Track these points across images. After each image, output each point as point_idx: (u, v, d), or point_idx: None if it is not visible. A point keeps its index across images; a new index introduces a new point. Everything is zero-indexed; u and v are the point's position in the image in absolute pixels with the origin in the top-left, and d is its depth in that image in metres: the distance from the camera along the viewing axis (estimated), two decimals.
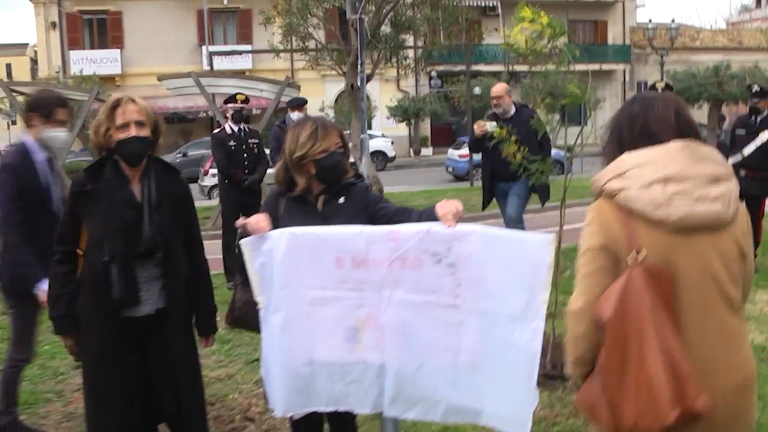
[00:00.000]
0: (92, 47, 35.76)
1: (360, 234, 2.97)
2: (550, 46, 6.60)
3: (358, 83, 10.43)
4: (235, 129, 8.95)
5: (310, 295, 2.97)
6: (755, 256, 8.87)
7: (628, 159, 2.41)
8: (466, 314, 2.86)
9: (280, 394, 3.04)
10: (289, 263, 2.96)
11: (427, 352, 2.89)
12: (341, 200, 3.40)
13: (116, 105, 3.46)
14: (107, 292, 3.39)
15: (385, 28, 16.06)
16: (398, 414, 2.98)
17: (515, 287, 2.80)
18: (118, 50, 35.33)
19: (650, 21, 38.56)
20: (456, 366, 2.88)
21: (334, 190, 3.40)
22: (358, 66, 9.19)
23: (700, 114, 26.07)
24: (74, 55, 34.87)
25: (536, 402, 2.86)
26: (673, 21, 37.94)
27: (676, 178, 2.31)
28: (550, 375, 5.50)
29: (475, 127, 8.39)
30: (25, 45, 52.36)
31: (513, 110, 8.40)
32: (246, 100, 9.13)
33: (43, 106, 4.54)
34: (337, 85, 34.22)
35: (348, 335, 2.95)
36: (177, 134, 33.75)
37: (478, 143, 8.50)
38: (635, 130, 2.48)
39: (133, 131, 3.43)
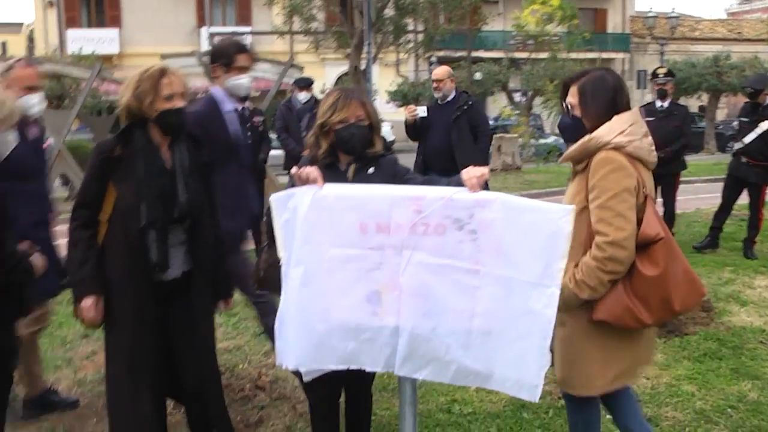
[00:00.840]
0: (90, 26, 35.64)
1: (384, 197, 2.99)
2: (560, 29, 6.64)
3: (362, 66, 10.43)
4: (239, 108, 8.94)
5: (331, 252, 2.99)
6: (754, 243, 9.00)
7: (622, 120, 3.21)
8: (484, 279, 2.89)
9: (293, 349, 3.06)
10: (312, 220, 2.99)
11: (442, 315, 2.92)
12: (371, 170, 3.45)
13: (162, 76, 3.48)
14: (143, 258, 3.46)
15: (389, 11, 16.03)
16: (409, 373, 3.01)
17: (534, 254, 2.85)
18: (116, 30, 35.22)
19: (651, 10, 38.57)
20: (470, 329, 2.91)
21: (363, 161, 3.45)
22: (365, 47, 9.16)
23: (699, 103, 26.13)
24: (72, 34, 34.73)
25: (548, 365, 2.92)
26: (673, 10, 38.02)
27: (646, 133, 3.26)
28: (552, 349, 5.54)
29: (406, 111, 8.11)
30: (21, 24, 52.09)
31: (452, 95, 7.83)
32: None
33: (223, 55, 4.49)
34: (337, 68, 34.25)
35: (370, 298, 2.97)
36: None
37: (415, 130, 8.02)
38: (625, 98, 3.31)
39: (178, 102, 3.50)
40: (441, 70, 8.05)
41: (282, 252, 3.07)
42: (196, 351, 3.72)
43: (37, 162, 4.47)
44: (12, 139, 3.63)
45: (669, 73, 9.65)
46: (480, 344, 2.91)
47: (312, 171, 3.07)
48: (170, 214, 3.51)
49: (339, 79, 34.01)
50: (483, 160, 6.51)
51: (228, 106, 4.53)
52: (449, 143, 7.49)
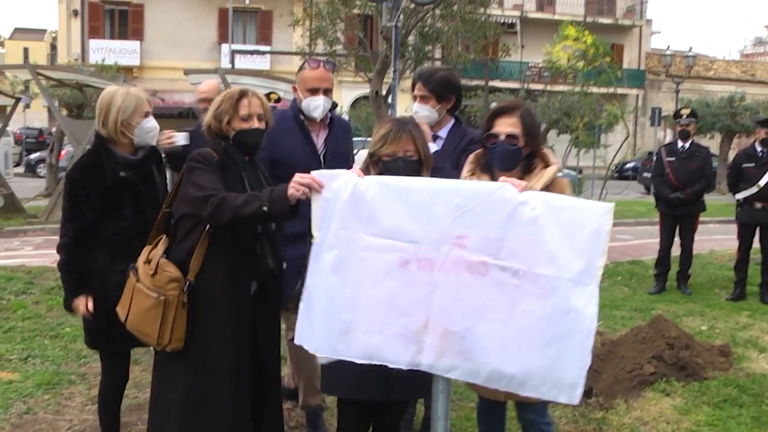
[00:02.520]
0: (112, 37, 35.96)
1: (426, 188, 2.97)
2: (592, 67, 6.70)
3: (383, 91, 10.52)
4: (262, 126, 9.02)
5: (366, 241, 2.94)
6: None
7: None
8: (524, 279, 2.84)
9: (314, 333, 3.03)
10: (352, 205, 2.97)
11: (479, 314, 2.85)
12: None
13: (241, 97, 3.59)
14: (251, 266, 3.56)
15: (412, 38, 16.16)
16: (441, 371, 2.93)
17: (575, 252, 2.83)
18: (138, 42, 35.51)
19: (668, 48, 38.71)
20: (507, 331, 2.84)
21: None
22: (392, 73, 9.24)
23: (712, 144, 26.13)
24: (94, 44, 35.03)
25: (588, 364, 2.85)
26: (690, 49, 38.06)
27: None
28: None
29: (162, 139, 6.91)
30: (44, 31, 52.61)
31: None
32: (278, 100, 9.21)
33: None
34: (353, 91, 34.46)
35: (402, 292, 2.92)
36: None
37: (174, 161, 6.07)
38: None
39: (255, 123, 3.59)
40: (208, 86, 6.61)
41: (316, 231, 3.05)
42: (277, 347, 3.84)
43: None
44: (153, 126, 3.91)
45: (692, 114, 9.69)
46: (517, 347, 2.84)
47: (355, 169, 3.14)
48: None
49: (355, 102, 34.19)
50: None
51: None
52: None
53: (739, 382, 5.91)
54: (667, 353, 6.06)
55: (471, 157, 3.75)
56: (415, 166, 3.48)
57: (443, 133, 4.43)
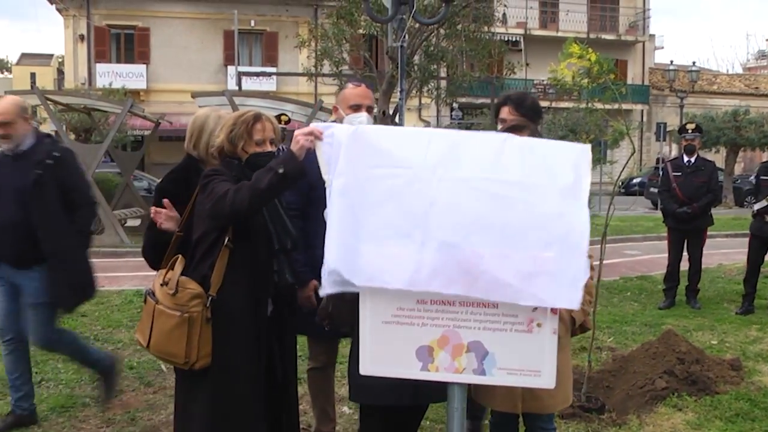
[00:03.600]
0: (119, 61, 36.13)
1: (423, 132, 3.11)
2: (596, 84, 6.72)
3: (390, 111, 10.61)
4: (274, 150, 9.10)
5: (367, 172, 3.00)
6: None
7: None
8: (517, 188, 2.89)
9: (330, 254, 3.00)
10: (353, 144, 3.03)
11: (473, 223, 2.87)
12: None
13: (255, 122, 3.66)
14: (269, 282, 3.63)
15: (417, 58, 16.27)
16: (438, 288, 2.90)
17: (564, 167, 2.92)
18: (144, 65, 35.70)
19: (671, 63, 38.85)
20: (502, 239, 2.86)
21: None
22: (399, 93, 9.31)
23: (717, 158, 26.13)
24: (100, 68, 35.25)
25: (587, 276, 2.87)
26: (693, 64, 38.24)
27: None
28: (586, 407, 5.58)
29: None
30: (50, 55, 53.03)
31: (29, 143, 4.92)
32: (288, 121, 9.29)
33: None
34: None
35: (401, 215, 2.96)
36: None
37: None
38: None
39: (268, 147, 3.68)
40: (6, 104, 4.88)
41: (325, 175, 3.08)
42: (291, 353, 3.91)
43: None
44: None
45: (697, 129, 9.73)
46: (514, 253, 2.85)
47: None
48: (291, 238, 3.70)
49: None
50: (77, 244, 5.00)
51: None
52: (24, 218, 4.79)
53: (751, 396, 5.92)
54: (678, 368, 6.07)
55: None
56: None
57: None
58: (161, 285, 3.55)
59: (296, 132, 3.19)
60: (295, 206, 4.18)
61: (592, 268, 3.68)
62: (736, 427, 5.33)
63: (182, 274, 3.55)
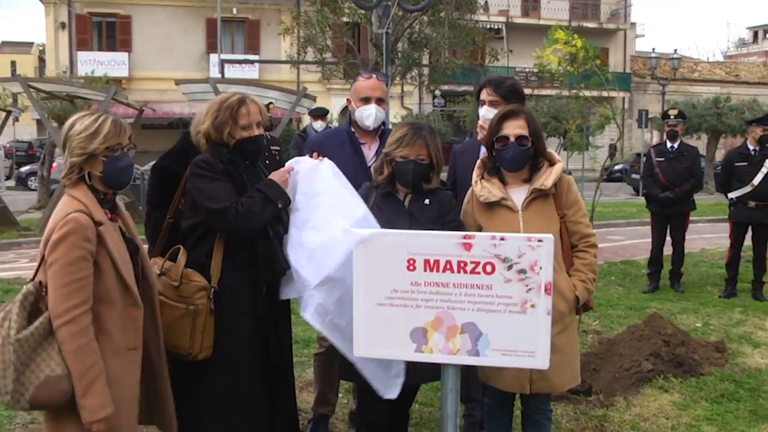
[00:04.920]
0: (100, 49, 35.86)
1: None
2: (582, 69, 6.74)
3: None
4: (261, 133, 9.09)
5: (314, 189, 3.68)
6: (763, 284, 9.09)
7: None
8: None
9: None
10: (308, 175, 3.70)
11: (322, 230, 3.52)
12: (426, 201, 3.75)
13: (240, 106, 3.61)
14: (266, 269, 3.62)
15: (401, 45, 16.26)
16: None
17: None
18: (126, 53, 35.45)
19: (653, 50, 38.97)
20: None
21: (419, 193, 3.75)
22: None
23: (699, 144, 26.29)
24: (82, 56, 34.98)
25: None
26: (675, 51, 38.37)
27: None
28: (574, 390, 5.63)
29: None
30: (31, 44, 52.51)
31: None
32: (268, 106, 9.26)
33: None
34: (343, 98, 34.32)
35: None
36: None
37: None
38: None
39: (255, 131, 3.64)
40: None
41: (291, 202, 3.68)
42: (287, 360, 3.91)
43: None
44: None
45: (680, 115, 9.81)
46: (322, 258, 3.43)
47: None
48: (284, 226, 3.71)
49: (345, 108, 34.26)
50: None
51: None
52: None
53: (735, 377, 6.00)
54: (664, 350, 6.14)
55: (478, 163, 3.94)
56: (426, 170, 3.73)
57: None
58: (159, 275, 3.49)
59: (275, 172, 3.64)
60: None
61: (595, 245, 3.82)
62: (721, 408, 5.40)
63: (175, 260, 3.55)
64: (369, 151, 4.56)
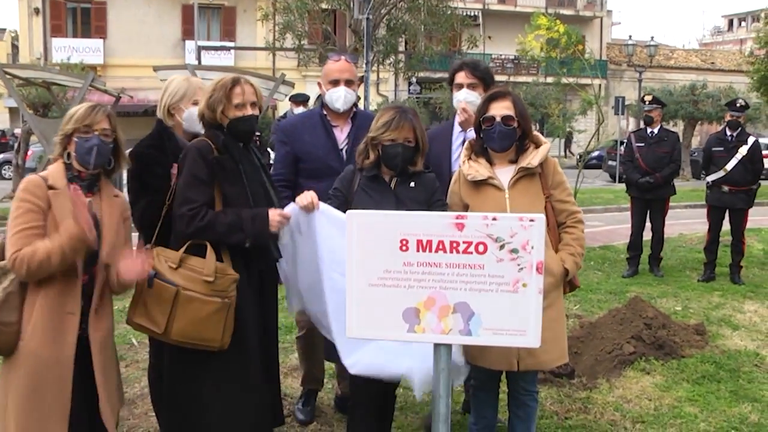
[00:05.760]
0: (75, 36, 35.40)
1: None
2: (565, 55, 6.79)
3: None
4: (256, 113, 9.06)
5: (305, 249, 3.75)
6: (740, 268, 9.19)
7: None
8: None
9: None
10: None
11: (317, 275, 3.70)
12: (412, 184, 3.78)
13: (234, 85, 3.60)
14: (260, 255, 3.65)
15: (380, 31, 16.21)
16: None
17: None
18: (101, 40, 35.03)
19: (630, 37, 39.12)
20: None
21: (404, 176, 3.78)
22: (364, 65, 9.29)
23: (675, 131, 26.44)
24: (56, 42, 34.49)
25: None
26: (652, 39, 38.55)
27: None
28: (556, 373, 5.68)
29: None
30: (3, 30, 51.67)
31: None
32: None
33: None
34: None
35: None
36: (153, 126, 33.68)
37: None
38: None
39: (249, 111, 3.62)
40: None
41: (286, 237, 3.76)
42: (274, 341, 3.94)
43: None
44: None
45: (654, 101, 9.87)
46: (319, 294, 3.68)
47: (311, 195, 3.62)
48: None
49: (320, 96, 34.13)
50: None
51: None
52: None
53: (716, 358, 6.08)
54: (645, 333, 6.21)
55: (466, 144, 3.99)
56: (412, 152, 3.75)
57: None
58: (174, 268, 3.46)
59: (276, 214, 3.58)
60: (283, 177, 4.43)
61: (582, 222, 3.91)
62: (702, 389, 5.47)
63: (164, 246, 3.56)
64: (341, 133, 4.59)
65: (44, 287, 3.21)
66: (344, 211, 3.70)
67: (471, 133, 4.38)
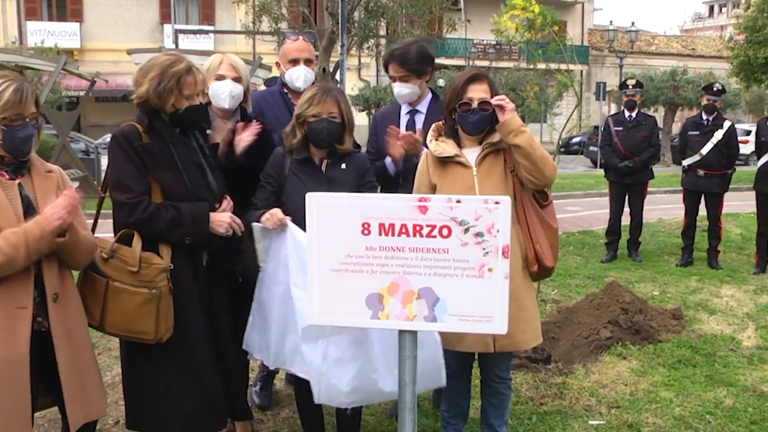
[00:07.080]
0: (50, 19, 34.89)
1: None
2: (540, 36, 6.70)
3: (330, 68, 10.46)
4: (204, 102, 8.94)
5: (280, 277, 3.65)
6: (718, 252, 9.17)
7: None
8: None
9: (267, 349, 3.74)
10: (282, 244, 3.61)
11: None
12: (343, 166, 3.76)
13: (188, 74, 3.44)
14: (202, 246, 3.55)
15: (357, 14, 16.05)
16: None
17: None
18: (78, 24, 34.57)
19: (611, 23, 39.15)
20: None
21: (335, 157, 3.74)
22: (339, 48, 9.16)
23: (656, 117, 26.48)
24: (31, 26, 34.04)
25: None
26: (633, 24, 38.60)
27: None
28: (532, 358, 5.62)
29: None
30: None
31: None
32: None
33: None
34: None
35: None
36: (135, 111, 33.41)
37: None
38: None
39: (196, 100, 3.49)
40: None
41: (261, 263, 3.68)
42: (230, 325, 3.83)
43: None
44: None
45: (638, 84, 9.84)
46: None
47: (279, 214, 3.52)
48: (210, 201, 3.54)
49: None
50: None
51: None
52: None
53: (692, 343, 6.04)
54: (622, 318, 6.15)
55: (433, 126, 3.89)
56: (339, 128, 3.71)
57: (423, 107, 4.54)
58: (105, 259, 3.32)
59: (218, 218, 3.50)
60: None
61: (551, 201, 3.86)
62: (678, 373, 5.42)
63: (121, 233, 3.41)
64: None
65: None
66: (278, 198, 3.73)
67: (419, 110, 4.48)
